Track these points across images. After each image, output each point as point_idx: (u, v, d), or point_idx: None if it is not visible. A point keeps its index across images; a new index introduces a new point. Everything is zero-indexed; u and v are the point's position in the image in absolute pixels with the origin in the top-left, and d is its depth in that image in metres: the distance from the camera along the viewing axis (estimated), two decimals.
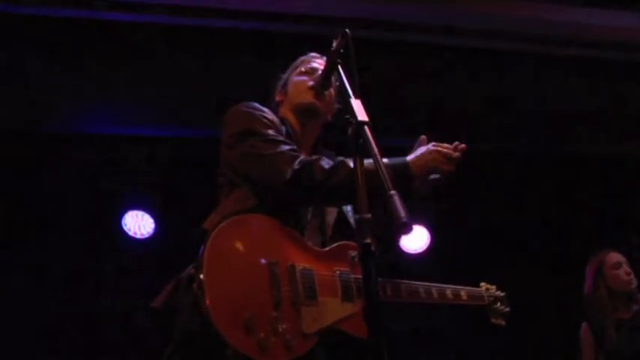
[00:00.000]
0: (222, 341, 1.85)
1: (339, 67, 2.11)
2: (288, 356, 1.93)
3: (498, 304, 2.64)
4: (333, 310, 2.10)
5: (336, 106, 2.57)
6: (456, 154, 2.21)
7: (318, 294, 2.08)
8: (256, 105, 2.39)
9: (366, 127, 1.79)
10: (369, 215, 1.69)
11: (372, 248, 1.63)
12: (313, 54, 2.59)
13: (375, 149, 1.73)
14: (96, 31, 4.38)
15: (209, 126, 5.08)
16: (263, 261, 2.02)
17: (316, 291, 2.07)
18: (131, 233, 5.63)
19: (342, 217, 2.42)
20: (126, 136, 5.27)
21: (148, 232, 5.66)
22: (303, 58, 2.60)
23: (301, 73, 2.52)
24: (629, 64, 5.20)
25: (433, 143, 2.23)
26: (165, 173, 5.63)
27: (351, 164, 2.00)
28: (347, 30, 2.15)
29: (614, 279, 4.10)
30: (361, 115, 1.83)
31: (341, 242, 2.28)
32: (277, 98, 2.58)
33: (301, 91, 2.47)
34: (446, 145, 2.23)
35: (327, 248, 2.24)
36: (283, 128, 2.36)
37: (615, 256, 4.20)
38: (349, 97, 1.93)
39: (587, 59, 5.16)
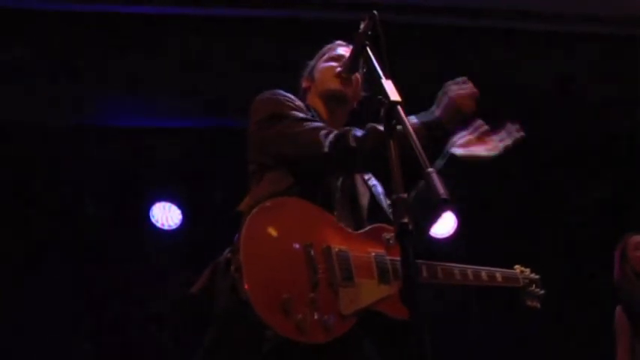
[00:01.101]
0: (262, 323, 1.86)
1: (368, 49, 2.13)
2: (326, 337, 1.94)
3: (533, 286, 2.63)
4: (370, 292, 2.10)
5: (362, 93, 2.60)
6: (473, 89, 2.19)
7: (355, 275, 2.08)
8: (282, 91, 2.41)
9: (399, 107, 1.81)
10: (405, 195, 1.70)
11: (410, 227, 1.64)
12: (339, 42, 2.61)
13: (410, 128, 1.73)
14: (122, 23, 4.40)
15: (236, 116, 5.17)
16: (299, 243, 2.02)
17: (352, 272, 2.08)
18: (159, 225, 5.71)
19: (374, 199, 2.44)
20: (152, 128, 5.31)
21: (175, 224, 5.73)
22: (329, 45, 2.62)
23: (328, 60, 2.54)
24: None
25: (449, 84, 2.20)
26: (192, 164, 5.68)
27: (379, 127, 2.05)
28: (374, 12, 2.16)
29: (637, 260, 4.14)
30: (394, 95, 1.84)
31: (375, 225, 2.28)
32: (304, 85, 2.60)
33: (328, 77, 2.49)
34: (458, 80, 2.21)
35: (361, 231, 2.24)
36: (309, 114, 2.38)
37: (637, 238, 4.24)
38: (380, 77, 1.93)
39: None
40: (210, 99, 5.01)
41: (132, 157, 5.52)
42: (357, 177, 2.46)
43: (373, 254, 2.18)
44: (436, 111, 2.18)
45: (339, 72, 2.46)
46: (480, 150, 2.28)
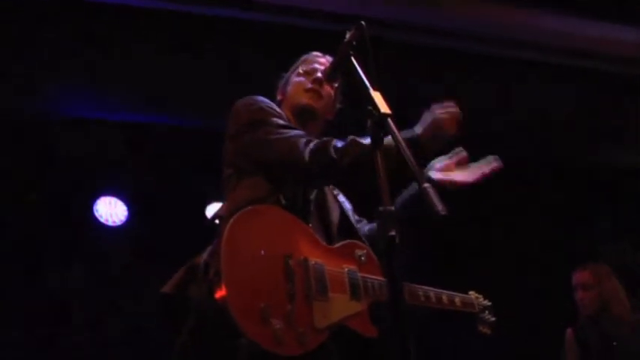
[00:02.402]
0: (237, 330, 1.83)
1: (353, 59, 2.11)
2: (300, 350, 1.93)
3: (486, 312, 2.70)
4: (342, 307, 2.11)
5: (338, 105, 2.61)
6: (455, 111, 2.16)
7: (329, 289, 2.08)
8: (263, 98, 2.40)
9: (389, 120, 1.80)
10: (393, 207, 1.68)
11: (397, 241, 1.62)
12: (316, 53, 2.61)
13: (402, 142, 1.72)
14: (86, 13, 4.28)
15: (192, 116, 5.10)
16: (278, 253, 2.01)
17: (327, 286, 2.08)
18: (103, 220, 5.55)
19: (344, 216, 2.43)
20: (103, 121, 5.17)
21: (121, 220, 5.59)
22: (305, 57, 2.61)
23: (300, 74, 2.54)
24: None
25: (435, 106, 2.17)
26: (141, 161, 5.55)
27: (364, 141, 2.07)
28: (362, 22, 2.14)
29: (578, 302, 4.05)
30: (383, 107, 1.83)
31: (348, 240, 2.30)
32: (278, 97, 2.59)
33: (299, 92, 2.49)
34: (447, 104, 2.18)
35: (335, 245, 2.25)
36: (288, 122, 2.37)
37: (575, 277, 4.10)
38: (368, 88, 1.92)
39: None
40: (167, 98, 4.90)
41: (79, 148, 5.35)
42: (328, 192, 2.47)
43: (346, 269, 2.19)
44: (417, 129, 2.17)
45: (310, 89, 2.46)
46: (458, 176, 2.29)
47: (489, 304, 2.74)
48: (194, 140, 5.38)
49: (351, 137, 2.15)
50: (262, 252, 1.98)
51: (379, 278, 2.24)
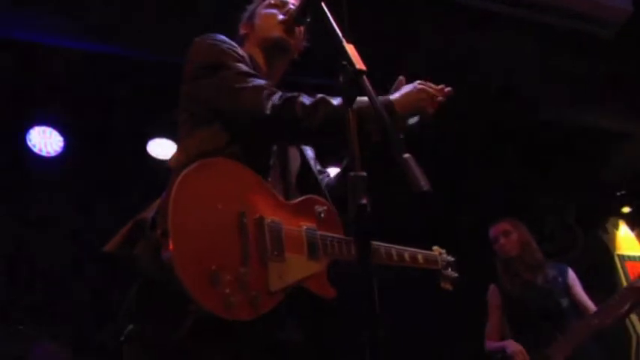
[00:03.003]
0: (185, 295, 1.68)
1: (324, 4, 1.95)
2: (252, 314, 1.79)
3: (449, 269, 2.61)
4: (299, 268, 1.97)
5: (304, 44, 2.45)
6: (441, 97, 2.10)
7: (285, 250, 1.94)
8: (224, 38, 2.21)
9: (364, 77, 1.67)
10: (364, 173, 1.56)
11: (368, 209, 1.51)
12: None
13: (377, 102, 1.60)
14: None
15: (127, 44, 4.80)
16: (232, 211, 1.85)
17: (283, 246, 1.94)
18: (36, 150, 5.26)
19: (305, 164, 2.29)
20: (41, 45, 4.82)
21: (56, 151, 5.30)
22: None
23: (270, 6, 2.36)
24: None
25: (419, 82, 2.09)
26: (78, 88, 5.24)
27: (333, 102, 1.95)
28: None
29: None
30: (359, 63, 1.69)
31: (308, 196, 2.15)
32: (242, 31, 2.42)
33: (271, 25, 2.32)
34: (432, 85, 2.11)
35: (294, 201, 2.10)
36: (251, 66, 2.19)
37: (492, 232, 4.42)
38: (341, 40, 1.78)
39: None
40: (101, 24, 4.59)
41: (11, 73, 5.01)
42: None
43: (304, 228, 2.05)
44: (394, 94, 2.06)
45: (283, 20, 2.29)
46: None
47: (453, 259, 2.66)
48: (138, 73, 5.11)
49: (319, 95, 1.99)
50: (214, 210, 1.81)
51: (339, 236, 2.12)
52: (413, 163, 1.42)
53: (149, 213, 1.88)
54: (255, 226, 1.88)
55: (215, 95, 2.04)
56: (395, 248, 2.36)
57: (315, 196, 2.16)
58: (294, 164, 2.25)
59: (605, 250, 6.89)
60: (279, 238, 1.93)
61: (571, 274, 4.24)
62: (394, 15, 4.88)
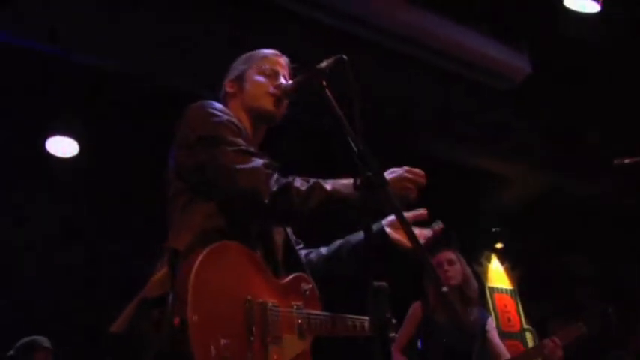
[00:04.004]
0: None
1: (327, 90, 2.10)
2: None
3: None
4: (291, 347, 2.08)
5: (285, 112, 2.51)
6: (423, 181, 2.19)
7: (282, 331, 2.04)
8: (221, 107, 2.27)
9: (388, 188, 1.83)
10: (385, 283, 1.72)
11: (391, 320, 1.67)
12: (274, 51, 2.51)
13: (408, 226, 1.75)
14: None
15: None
16: (239, 297, 1.94)
17: (281, 329, 2.04)
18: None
19: (287, 239, 2.39)
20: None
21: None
22: (263, 53, 2.50)
23: (262, 73, 2.42)
24: None
25: (406, 169, 2.18)
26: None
27: (327, 187, 2.06)
28: (344, 56, 2.12)
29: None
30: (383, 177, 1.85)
31: (296, 274, 2.25)
32: (228, 89, 2.46)
33: (261, 95, 2.39)
34: (417, 171, 2.20)
35: (285, 280, 2.19)
36: (244, 132, 2.26)
37: (437, 258, 4.37)
38: (359, 145, 1.92)
39: None
40: None
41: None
42: None
43: (295, 307, 2.16)
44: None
45: (275, 94, 2.37)
46: (405, 239, 2.28)
47: None
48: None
49: (313, 181, 2.09)
50: (228, 299, 1.89)
51: (321, 313, 2.25)
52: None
53: (152, 292, 1.92)
54: (259, 311, 1.97)
55: (213, 174, 2.08)
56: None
57: (302, 274, 2.27)
58: (279, 238, 2.33)
59: (479, 281, 7.42)
60: (278, 321, 2.03)
61: (490, 321, 4.30)
62: None
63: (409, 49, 5.51)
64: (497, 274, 7.65)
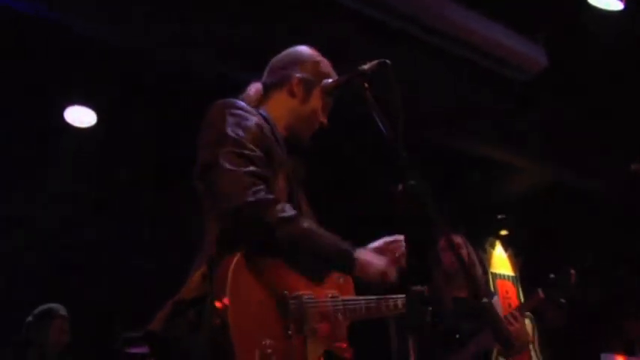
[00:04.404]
0: None
1: (368, 93, 2.16)
2: None
3: None
4: (328, 336, 2.15)
5: None
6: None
7: (319, 322, 2.12)
8: (244, 106, 2.26)
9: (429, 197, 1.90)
10: (423, 287, 1.81)
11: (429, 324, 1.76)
12: (327, 62, 2.53)
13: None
14: None
15: None
16: (276, 292, 2.02)
17: (318, 319, 2.12)
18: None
19: None
20: None
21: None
22: (327, 66, 2.52)
23: (323, 97, 2.45)
24: None
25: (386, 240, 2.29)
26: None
27: (304, 224, 2.07)
28: (387, 61, 2.17)
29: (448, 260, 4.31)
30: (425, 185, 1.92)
31: None
32: (295, 87, 2.43)
33: (312, 125, 2.47)
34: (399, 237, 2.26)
35: None
36: (267, 126, 2.27)
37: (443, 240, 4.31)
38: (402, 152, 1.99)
39: None
40: None
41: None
42: (302, 197, 2.40)
43: (330, 296, 2.23)
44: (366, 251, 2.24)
45: (318, 127, 2.47)
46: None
47: None
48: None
49: (295, 213, 2.07)
50: (264, 298, 1.97)
51: (357, 299, 2.33)
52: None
53: (189, 293, 2.00)
54: (295, 305, 2.04)
55: (213, 170, 2.06)
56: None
57: None
58: None
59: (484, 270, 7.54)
60: (315, 312, 2.11)
61: (496, 299, 4.47)
62: None
63: (418, 33, 5.48)
64: (501, 261, 7.77)
